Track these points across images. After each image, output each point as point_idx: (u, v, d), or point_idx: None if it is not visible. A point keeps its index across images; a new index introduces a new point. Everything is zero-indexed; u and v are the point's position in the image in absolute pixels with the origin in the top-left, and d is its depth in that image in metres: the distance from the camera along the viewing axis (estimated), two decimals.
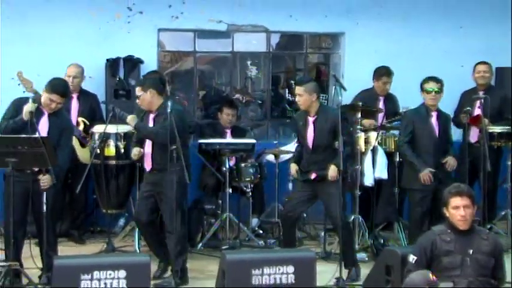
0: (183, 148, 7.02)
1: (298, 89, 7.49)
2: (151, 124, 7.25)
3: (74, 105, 8.59)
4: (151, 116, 7.27)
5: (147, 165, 7.32)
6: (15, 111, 6.87)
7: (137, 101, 7.42)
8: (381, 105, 8.95)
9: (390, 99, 9.11)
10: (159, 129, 7.12)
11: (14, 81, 8.23)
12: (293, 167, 7.76)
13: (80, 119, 8.52)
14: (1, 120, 6.98)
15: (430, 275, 5.66)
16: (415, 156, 7.91)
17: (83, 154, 8.39)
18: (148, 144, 7.29)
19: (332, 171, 7.36)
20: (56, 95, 6.86)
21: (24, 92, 7.63)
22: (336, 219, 7.36)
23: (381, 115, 8.77)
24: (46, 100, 6.87)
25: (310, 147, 7.58)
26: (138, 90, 7.44)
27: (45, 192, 6.70)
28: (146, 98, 7.22)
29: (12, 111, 6.93)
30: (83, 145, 8.41)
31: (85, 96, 8.77)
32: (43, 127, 6.88)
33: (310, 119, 7.55)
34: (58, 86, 6.92)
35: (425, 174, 7.80)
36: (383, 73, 9.04)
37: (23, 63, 7.76)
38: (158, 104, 7.21)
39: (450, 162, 7.96)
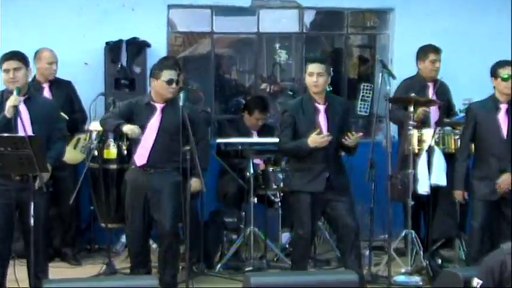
0: None
1: (320, 67, 7.63)
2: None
3: (46, 96, 8.59)
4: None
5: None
6: None
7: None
8: (430, 93, 8.93)
9: (441, 86, 9.05)
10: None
11: None
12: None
13: None
14: None
15: None
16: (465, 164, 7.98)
17: (66, 153, 8.39)
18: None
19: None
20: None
21: None
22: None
23: (433, 108, 8.69)
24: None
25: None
26: None
27: (32, 203, 6.72)
28: None
29: None
30: None
31: (58, 84, 8.83)
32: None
33: (321, 107, 7.68)
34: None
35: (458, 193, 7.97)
36: (429, 50, 9.02)
37: (7, 49, 7.78)
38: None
39: (503, 182, 7.79)
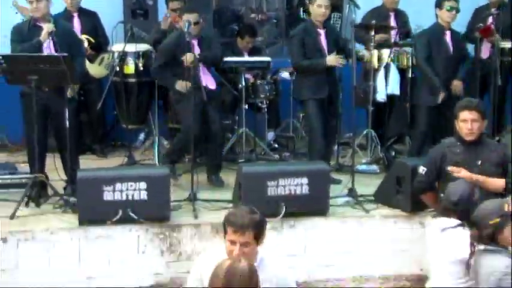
0: None
1: (327, 1, 7.66)
2: None
3: (76, 24, 8.50)
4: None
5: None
6: (20, 36, 6.91)
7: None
8: (391, 21, 8.82)
9: (400, 15, 8.93)
10: None
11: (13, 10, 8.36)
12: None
13: (84, 36, 8.35)
14: (13, 46, 6.92)
15: (506, 206, 4.76)
16: (434, 74, 7.87)
17: (92, 69, 8.45)
18: None
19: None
20: None
21: (22, 19, 7.75)
22: None
23: (393, 32, 8.68)
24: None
25: None
26: None
27: (66, 109, 6.72)
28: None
29: (18, 36, 6.93)
30: (90, 60, 8.42)
31: (85, 14, 8.69)
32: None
33: (322, 31, 7.72)
34: None
35: (443, 94, 7.81)
36: None
37: None
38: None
39: (457, 85, 7.89)
